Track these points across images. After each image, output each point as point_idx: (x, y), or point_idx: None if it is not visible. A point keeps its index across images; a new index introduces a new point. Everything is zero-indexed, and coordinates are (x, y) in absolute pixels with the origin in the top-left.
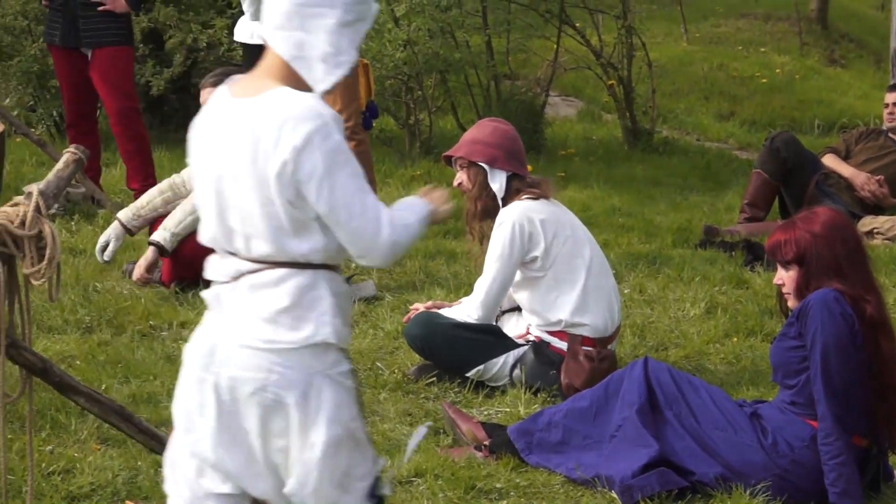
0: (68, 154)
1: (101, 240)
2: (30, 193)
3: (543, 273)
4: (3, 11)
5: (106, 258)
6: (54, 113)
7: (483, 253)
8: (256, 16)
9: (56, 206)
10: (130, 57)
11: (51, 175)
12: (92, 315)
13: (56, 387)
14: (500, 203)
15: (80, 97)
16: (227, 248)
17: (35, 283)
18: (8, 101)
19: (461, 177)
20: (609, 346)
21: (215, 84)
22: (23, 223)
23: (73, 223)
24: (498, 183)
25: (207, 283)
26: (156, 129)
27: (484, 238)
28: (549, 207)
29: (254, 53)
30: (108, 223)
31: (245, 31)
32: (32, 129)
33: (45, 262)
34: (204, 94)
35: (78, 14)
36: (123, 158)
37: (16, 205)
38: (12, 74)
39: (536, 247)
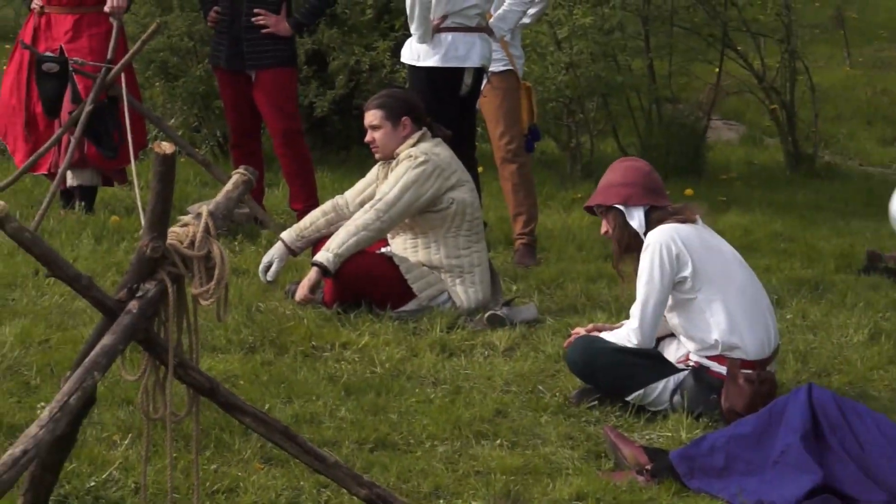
0: (237, 175)
1: (265, 260)
2: (199, 214)
3: (694, 295)
4: (169, 32)
5: (269, 278)
6: (218, 133)
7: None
8: (423, 38)
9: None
10: (294, 78)
11: (220, 196)
12: (255, 335)
13: (223, 406)
14: (644, 238)
15: (244, 118)
16: None
17: (204, 303)
18: (173, 121)
19: (604, 225)
20: (768, 368)
21: (378, 106)
22: (192, 243)
23: (236, 243)
24: (636, 220)
25: (370, 305)
26: (318, 150)
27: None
28: (694, 230)
29: (418, 75)
30: (271, 244)
31: (411, 53)
32: (197, 150)
33: (213, 283)
34: (368, 116)
35: (242, 36)
36: (286, 179)
37: (185, 225)
38: (178, 95)
39: (685, 267)
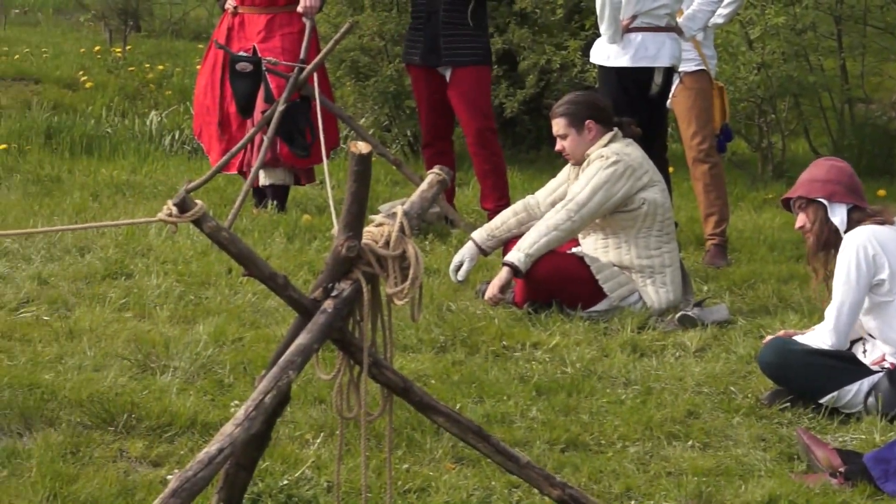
0: (432, 175)
1: (456, 259)
2: (394, 214)
3: (891, 298)
4: (361, 32)
5: (460, 278)
6: (409, 132)
7: (829, 288)
8: (613, 38)
9: None
10: (489, 77)
11: (415, 196)
12: (446, 335)
13: (416, 406)
14: (843, 236)
15: (438, 117)
16: None
17: (398, 302)
18: (364, 120)
19: (801, 219)
20: None
21: (561, 115)
22: (387, 243)
23: (427, 242)
24: (839, 217)
25: (560, 305)
26: (508, 149)
27: (828, 277)
28: (891, 232)
29: (608, 76)
30: (462, 243)
31: (601, 53)
32: (388, 149)
33: (408, 283)
34: (553, 125)
35: (440, 33)
36: (479, 178)
37: (380, 225)
38: (369, 95)
39: (882, 269)
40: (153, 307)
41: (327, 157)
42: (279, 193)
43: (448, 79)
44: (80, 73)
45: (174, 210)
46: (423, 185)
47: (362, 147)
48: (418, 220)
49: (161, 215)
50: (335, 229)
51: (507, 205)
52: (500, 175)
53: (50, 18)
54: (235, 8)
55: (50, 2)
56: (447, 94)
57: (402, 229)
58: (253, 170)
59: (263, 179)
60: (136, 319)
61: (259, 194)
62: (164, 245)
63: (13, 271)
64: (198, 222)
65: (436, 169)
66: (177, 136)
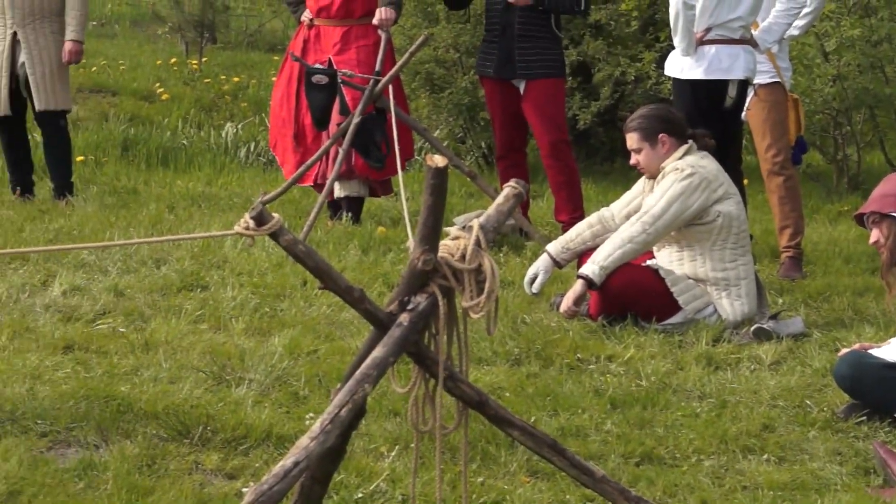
0: (508, 188)
1: (530, 272)
2: (470, 227)
3: None
4: (435, 44)
5: (534, 290)
6: (483, 144)
7: None
8: (687, 51)
9: None
10: (563, 89)
11: (491, 209)
12: (520, 347)
13: (491, 419)
14: None
15: (512, 129)
16: None
17: (474, 315)
18: (438, 132)
19: (875, 234)
20: None
21: (634, 129)
22: (463, 256)
23: (501, 255)
24: None
25: (635, 318)
26: (582, 161)
27: None
28: None
29: (683, 88)
30: (537, 255)
31: (675, 66)
32: (462, 161)
33: (483, 296)
34: (629, 139)
35: (514, 45)
36: (553, 190)
37: (456, 238)
38: (443, 106)
39: None
40: (229, 319)
41: (402, 168)
42: (354, 205)
43: (522, 91)
44: (157, 85)
45: (251, 223)
46: (499, 199)
47: (438, 160)
48: (494, 234)
49: (238, 228)
50: (410, 241)
51: (581, 217)
52: (574, 187)
53: (127, 30)
54: (311, 20)
55: (127, 14)
56: (521, 107)
57: (478, 243)
58: (328, 182)
59: (338, 191)
60: (212, 331)
61: (334, 206)
62: (239, 257)
63: (90, 283)
64: (274, 235)
65: (512, 182)
66: (252, 148)
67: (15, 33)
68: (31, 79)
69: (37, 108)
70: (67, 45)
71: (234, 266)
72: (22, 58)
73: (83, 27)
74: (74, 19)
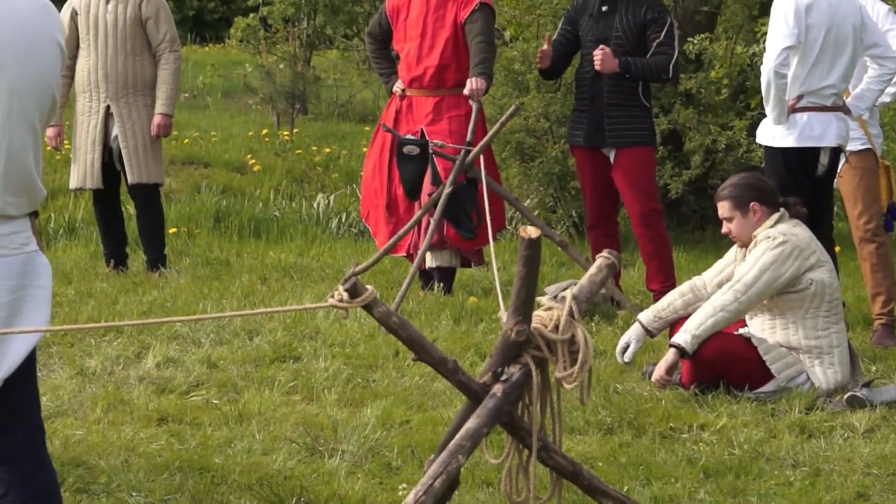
0: (601, 259)
1: (622, 341)
2: (563, 298)
3: None
4: (526, 114)
5: (626, 359)
6: (574, 213)
7: None
8: (779, 119)
9: None
10: (653, 158)
11: (584, 279)
12: (613, 416)
13: (585, 490)
14: None
15: (602, 198)
16: None
17: (567, 386)
18: (529, 202)
19: None
20: None
21: (725, 198)
22: (556, 327)
23: (593, 324)
24: None
25: (727, 386)
26: (673, 230)
27: None
28: None
29: (774, 156)
30: (628, 324)
31: (766, 134)
32: (553, 230)
33: (577, 367)
34: (720, 207)
35: (604, 114)
36: (644, 259)
37: (549, 309)
38: (534, 175)
39: None
40: (321, 390)
41: (493, 238)
42: (446, 276)
43: (612, 160)
44: (249, 156)
45: (345, 295)
46: (592, 269)
47: (531, 231)
48: (587, 304)
49: (332, 301)
50: (502, 312)
51: (672, 286)
52: (666, 256)
53: (218, 102)
54: (403, 90)
55: (219, 85)
56: (611, 175)
57: (571, 313)
58: (420, 252)
59: (430, 262)
60: (305, 402)
61: (425, 276)
62: (331, 328)
63: (183, 355)
64: (368, 307)
65: (604, 252)
66: (343, 219)
67: (108, 107)
68: (123, 152)
69: (129, 181)
70: (156, 119)
71: (326, 337)
72: (115, 131)
73: (173, 101)
74: (165, 93)
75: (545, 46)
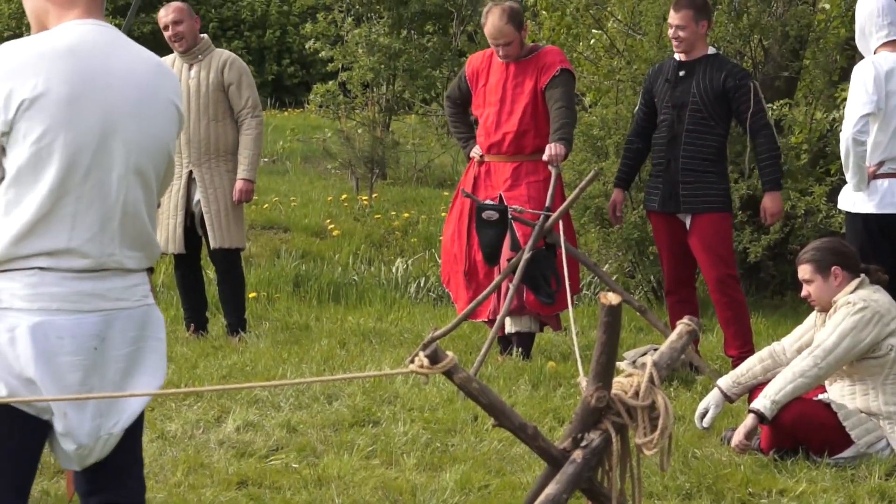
0: (682, 325)
1: (701, 406)
2: (643, 364)
3: None
4: (605, 179)
5: (705, 425)
6: (652, 278)
7: None
8: (859, 186)
9: None
10: (729, 223)
11: (664, 346)
12: (692, 482)
13: None
14: None
15: (679, 264)
16: None
17: (647, 452)
18: (607, 267)
19: None
20: None
21: (807, 261)
22: (636, 393)
23: (672, 389)
24: None
25: (807, 452)
26: (752, 295)
27: None
28: None
29: (854, 222)
30: (707, 390)
31: (847, 199)
32: (632, 295)
33: (657, 433)
34: (801, 270)
35: (679, 180)
36: (721, 325)
37: (629, 375)
38: (612, 241)
39: None
40: (400, 454)
41: (572, 304)
42: (524, 341)
43: (688, 226)
44: (328, 221)
45: (426, 361)
46: (673, 336)
47: (612, 298)
48: (667, 371)
49: (413, 367)
50: (581, 377)
51: (751, 351)
52: (743, 322)
53: (298, 167)
54: (482, 156)
55: (298, 150)
56: (688, 241)
57: (651, 380)
58: (499, 317)
59: (509, 327)
60: (384, 467)
61: (504, 341)
62: (410, 392)
63: (263, 419)
64: (448, 373)
65: (685, 319)
66: (422, 284)
67: (191, 172)
68: (206, 217)
69: (212, 245)
70: (238, 185)
71: (405, 401)
72: (197, 195)
73: (255, 166)
74: (247, 158)
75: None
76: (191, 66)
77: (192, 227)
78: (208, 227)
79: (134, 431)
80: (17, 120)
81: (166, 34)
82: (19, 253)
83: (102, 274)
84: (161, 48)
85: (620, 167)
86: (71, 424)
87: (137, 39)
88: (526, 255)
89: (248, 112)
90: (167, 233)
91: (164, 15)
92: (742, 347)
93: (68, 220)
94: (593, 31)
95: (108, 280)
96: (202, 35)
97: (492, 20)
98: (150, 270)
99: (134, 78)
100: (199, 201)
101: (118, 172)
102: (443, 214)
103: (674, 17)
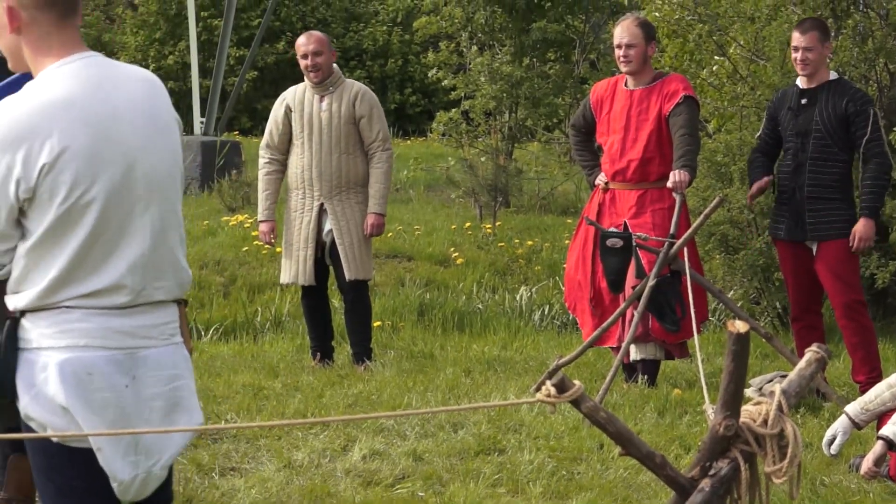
0: (811, 353)
1: (828, 433)
2: (772, 392)
3: None
4: (729, 205)
5: (833, 452)
6: (777, 305)
7: None
8: None
9: None
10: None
11: (793, 374)
12: None
13: None
14: None
15: (806, 290)
16: None
17: (777, 481)
18: (732, 293)
19: None
20: None
21: None
22: (765, 422)
23: (799, 416)
24: None
25: None
26: (879, 321)
27: None
28: None
29: None
30: (834, 416)
31: None
32: (757, 321)
33: (786, 461)
34: None
35: (804, 207)
36: (848, 351)
37: (758, 403)
38: (738, 267)
39: None
40: (526, 483)
41: (697, 331)
42: (650, 368)
43: (815, 252)
44: (452, 249)
45: (552, 390)
46: (802, 363)
47: (740, 326)
48: (796, 399)
49: (540, 396)
50: (707, 404)
51: (879, 377)
52: (871, 347)
53: (421, 195)
54: (606, 184)
55: (422, 179)
56: (814, 268)
57: (780, 408)
58: (624, 345)
59: (634, 354)
60: (510, 495)
61: (629, 369)
62: (535, 420)
63: (389, 447)
64: (576, 402)
65: (814, 347)
66: (546, 311)
67: (321, 204)
68: (339, 249)
69: (347, 277)
70: (370, 219)
71: (530, 429)
72: (327, 227)
73: (386, 199)
74: (378, 192)
75: (753, 190)
76: (322, 97)
77: (321, 258)
78: (342, 259)
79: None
80: (40, 184)
81: (303, 62)
82: (49, 302)
83: (130, 311)
84: (283, 78)
85: (757, 164)
86: (106, 460)
87: (261, 70)
88: (651, 283)
89: (378, 145)
90: (297, 265)
91: (305, 44)
92: (870, 373)
93: (98, 263)
94: (716, 57)
95: (136, 317)
96: (334, 66)
97: (622, 23)
98: (184, 303)
99: (137, 106)
100: (329, 232)
101: (143, 204)
102: (566, 242)
103: (800, 39)
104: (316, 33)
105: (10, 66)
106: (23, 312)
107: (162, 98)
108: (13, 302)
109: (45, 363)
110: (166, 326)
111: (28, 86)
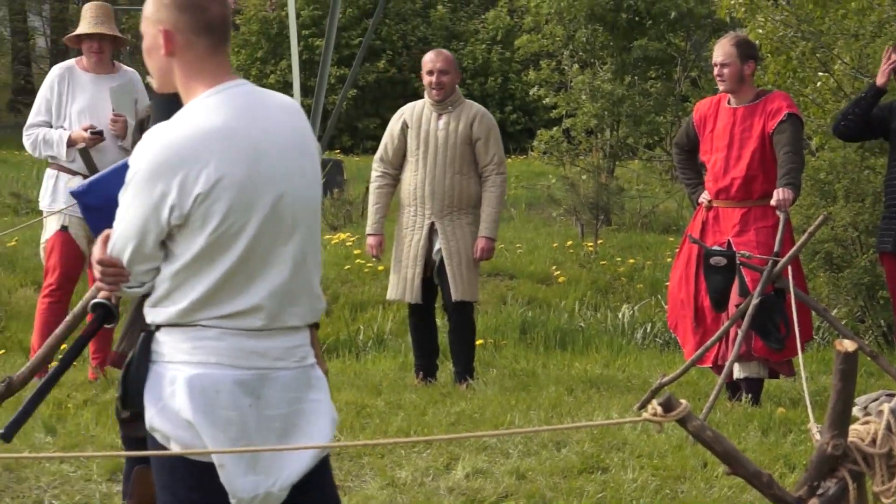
0: None
1: None
2: (881, 411)
3: None
4: (834, 223)
5: None
6: (882, 323)
7: None
8: None
9: None
10: None
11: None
12: None
13: None
14: None
15: None
16: None
17: (885, 501)
18: (837, 311)
19: None
20: None
21: None
22: (874, 441)
23: None
24: None
25: None
26: None
27: None
28: None
29: None
30: None
31: None
32: (862, 340)
33: (895, 481)
34: None
35: None
36: None
37: (866, 423)
38: (842, 286)
39: None
40: (629, 502)
41: (802, 350)
42: (753, 387)
43: None
44: (553, 267)
45: (659, 409)
46: None
47: (848, 345)
48: None
49: (646, 415)
50: (812, 423)
51: None
52: None
53: (523, 213)
54: (710, 202)
55: (523, 197)
56: None
57: (889, 427)
58: (727, 363)
59: (738, 373)
60: None
61: (733, 387)
62: (639, 439)
63: (492, 465)
64: (682, 421)
65: None
66: (648, 329)
67: (433, 223)
68: (448, 269)
69: (453, 298)
70: (480, 242)
71: (633, 448)
72: (437, 245)
73: (497, 224)
74: (490, 216)
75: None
76: (440, 115)
77: (429, 277)
78: (450, 279)
79: (316, 486)
80: (194, 212)
81: (427, 78)
82: (187, 321)
83: (264, 333)
84: (384, 97)
85: None
86: (228, 477)
87: (361, 89)
88: (755, 301)
89: (493, 168)
90: (405, 282)
91: (433, 60)
92: None
93: (241, 288)
94: (819, 74)
95: (269, 339)
96: (456, 87)
97: (720, 42)
98: (315, 326)
99: (287, 136)
100: (438, 251)
101: (287, 232)
102: (668, 260)
103: None
104: (444, 52)
105: (155, 86)
106: (158, 326)
107: (306, 125)
108: (151, 316)
109: (174, 377)
110: (297, 349)
111: (182, 113)
